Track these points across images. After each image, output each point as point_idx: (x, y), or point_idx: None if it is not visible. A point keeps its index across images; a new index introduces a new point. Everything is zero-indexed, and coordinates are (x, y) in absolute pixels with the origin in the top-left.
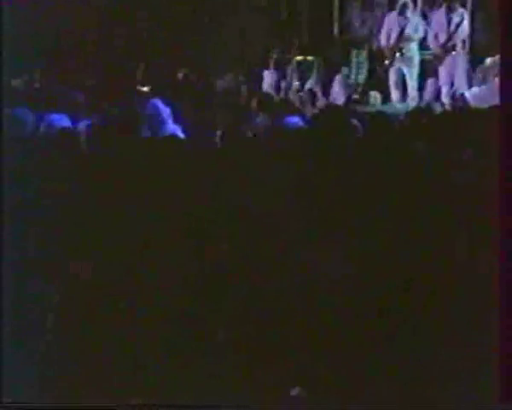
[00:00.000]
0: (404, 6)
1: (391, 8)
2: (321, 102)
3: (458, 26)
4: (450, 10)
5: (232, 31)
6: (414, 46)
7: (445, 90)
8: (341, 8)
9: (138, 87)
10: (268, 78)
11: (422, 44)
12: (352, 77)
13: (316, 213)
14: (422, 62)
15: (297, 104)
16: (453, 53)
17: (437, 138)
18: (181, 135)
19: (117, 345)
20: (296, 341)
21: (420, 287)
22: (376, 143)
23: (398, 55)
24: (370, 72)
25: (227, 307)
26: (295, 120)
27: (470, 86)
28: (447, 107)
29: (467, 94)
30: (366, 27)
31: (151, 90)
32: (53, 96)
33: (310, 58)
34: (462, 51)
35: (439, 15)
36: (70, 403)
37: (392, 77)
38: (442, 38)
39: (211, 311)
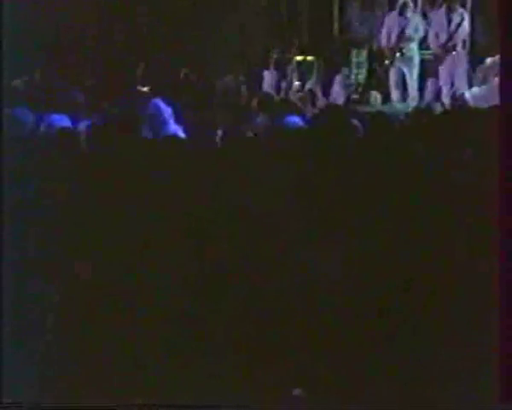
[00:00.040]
0: (405, 6)
1: (391, 8)
2: (321, 102)
3: (458, 26)
4: (450, 10)
5: (232, 30)
6: (414, 46)
7: (445, 90)
8: (341, 8)
9: (139, 87)
10: (268, 78)
11: (422, 44)
12: (352, 77)
13: (316, 214)
14: (422, 62)
15: (297, 104)
16: (453, 53)
17: (437, 138)
18: (182, 135)
19: (117, 345)
20: (296, 341)
21: (420, 287)
22: (376, 143)
23: (398, 55)
24: (370, 72)
25: (227, 307)
26: (295, 120)
27: (470, 86)
28: (447, 107)
29: (467, 94)
30: (366, 27)
31: (151, 89)
32: (53, 96)
33: (310, 58)
34: (462, 51)
35: (439, 15)
36: (70, 403)
37: (393, 77)
38: (442, 38)
39: (211, 311)
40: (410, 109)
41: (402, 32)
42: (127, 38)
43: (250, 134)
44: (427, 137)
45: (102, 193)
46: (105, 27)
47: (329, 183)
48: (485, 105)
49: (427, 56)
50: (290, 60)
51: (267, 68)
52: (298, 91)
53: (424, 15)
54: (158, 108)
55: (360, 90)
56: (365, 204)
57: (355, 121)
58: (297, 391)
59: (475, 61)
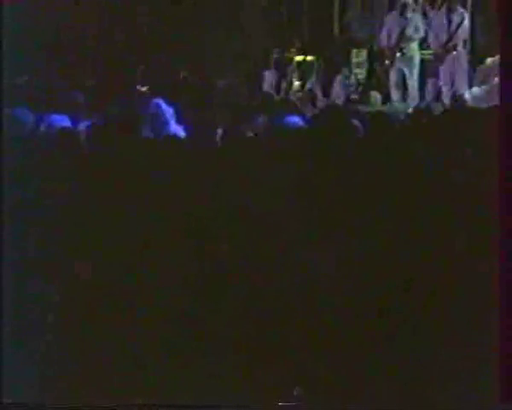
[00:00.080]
0: (405, 6)
1: (391, 9)
2: (321, 102)
3: (458, 26)
4: (450, 10)
5: (232, 31)
6: (414, 46)
7: (445, 90)
8: (341, 8)
9: (139, 87)
10: (268, 78)
11: (423, 44)
12: (352, 77)
13: (316, 214)
14: (423, 62)
15: (297, 104)
16: (453, 53)
17: (437, 138)
18: (182, 135)
19: (117, 345)
20: (296, 341)
21: (420, 287)
22: (376, 143)
23: (398, 55)
24: (370, 72)
25: (227, 307)
26: (295, 119)
27: (470, 86)
28: (447, 107)
29: (467, 94)
30: (366, 27)
31: (151, 90)
32: (53, 96)
33: (310, 58)
34: (462, 51)
35: (439, 15)
36: (70, 403)
37: (393, 77)
38: (442, 38)
39: (211, 311)
40: (410, 109)
41: (402, 32)
42: (127, 38)
43: (250, 134)
44: (427, 137)
45: (103, 193)
46: (105, 27)
47: (329, 183)
48: (485, 105)
49: (427, 56)
50: (290, 60)
51: (267, 68)
52: (298, 91)
53: (424, 15)
54: (159, 109)
55: (360, 90)
56: (365, 204)
57: (355, 121)
58: (297, 391)
59: (475, 61)
